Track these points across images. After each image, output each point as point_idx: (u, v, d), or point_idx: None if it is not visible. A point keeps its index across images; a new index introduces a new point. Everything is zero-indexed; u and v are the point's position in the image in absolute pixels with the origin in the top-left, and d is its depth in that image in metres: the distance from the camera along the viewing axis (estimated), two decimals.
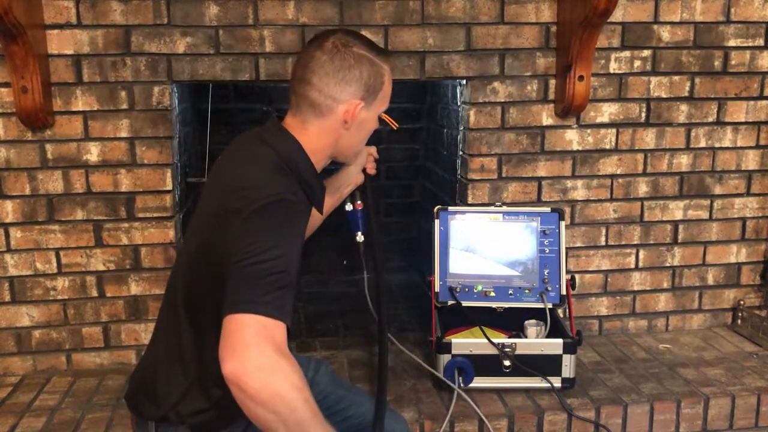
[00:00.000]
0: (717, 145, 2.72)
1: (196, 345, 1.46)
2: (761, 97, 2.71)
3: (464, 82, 2.56)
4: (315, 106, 1.52)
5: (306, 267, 3.33)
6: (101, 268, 2.44)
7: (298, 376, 1.23)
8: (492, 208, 2.46)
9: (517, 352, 2.25)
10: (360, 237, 1.90)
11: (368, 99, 1.54)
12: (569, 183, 2.65)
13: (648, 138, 2.67)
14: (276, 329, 1.24)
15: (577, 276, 2.50)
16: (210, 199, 1.52)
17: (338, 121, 1.53)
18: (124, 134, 2.37)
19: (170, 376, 1.49)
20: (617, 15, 2.50)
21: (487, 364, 2.24)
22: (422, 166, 3.56)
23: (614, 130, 2.64)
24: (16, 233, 2.39)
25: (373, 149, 1.90)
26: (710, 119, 2.70)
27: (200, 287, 1.43)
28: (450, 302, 2.38)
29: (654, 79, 2.62)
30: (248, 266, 1.28)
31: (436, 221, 2.41)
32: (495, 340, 2.24)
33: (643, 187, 2.70)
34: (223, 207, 1.41)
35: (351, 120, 1.53)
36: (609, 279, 2.76)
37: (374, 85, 1.54)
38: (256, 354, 1.20)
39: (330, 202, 1.85)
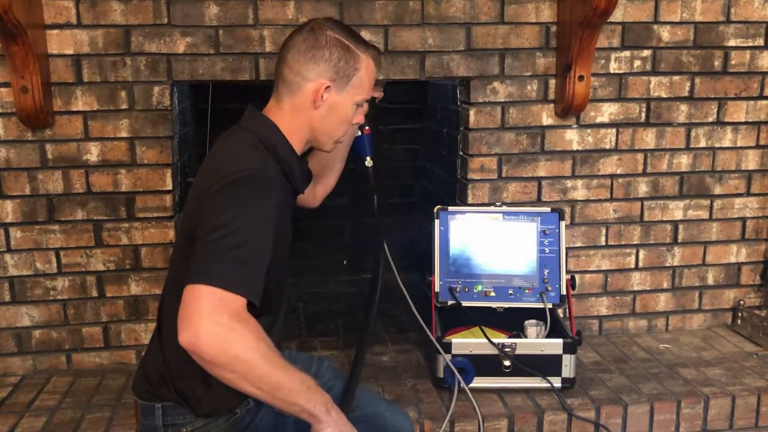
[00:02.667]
0: (717, 145, 2.72)
1: None
2: (761, 97, 2.71)
3: (464, 82, 2.56)
4: (287, 84, 1.59)
5: (306, 267, 3.35)
6: (101, 268, 2.44)
7: (254, 337, 1.32)
8: (492, 208, 2.46)
9: (517, 352, 2.25)
10: (369, 162, 1.91)
11: (338, 82, 1.58)
12: (569, 183, 2.65)
13: (648, 138, 2.67)
14: (232, 300, 1.31)
15: (577, 276, 2.50)
16: (194, 187, 1.57)
17: (308, 101, 1.58)
18: (124, 134, 2.37)
19: (169, 358, 1.53)
20: (617, 15, 2.50)
21: (487, 364, 2.24)
22: (422, 166, 3.56)
23: (614, 130, 2.64)
24: (16, 233, 2.38)
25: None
26: (710, 119, 2.70)
27: (182, 270, 1.46)
28: (450, 302, 2.38)
29: (654, 79, 2.62)
30: (212, 240, 1.35)
31: (436, 221, 2.41)
32: (495, 340, 2.24)
33: (643, 187, 2.70)
34: (201, 188, 1.48)
35: (318, 99, 1.57)
36: (609, 279, 2.76)
37: (345, 69, 1.58)
38: (209, 323, 1.28)
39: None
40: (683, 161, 2.71)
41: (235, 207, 1.38)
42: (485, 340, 2.24)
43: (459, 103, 2.67)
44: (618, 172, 2.67)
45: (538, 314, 2.38)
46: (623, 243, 2.74)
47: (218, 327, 1.28)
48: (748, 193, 2.78)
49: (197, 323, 1.28)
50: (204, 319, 1.28)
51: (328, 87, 1.57)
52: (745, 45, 2.65)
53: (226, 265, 1.33)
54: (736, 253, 2.82)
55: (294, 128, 1.59)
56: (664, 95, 2.64)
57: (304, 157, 1.69)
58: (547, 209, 2.44)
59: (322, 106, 1.59)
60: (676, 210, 2.74)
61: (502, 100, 2.54)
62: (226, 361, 1.30)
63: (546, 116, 2.58)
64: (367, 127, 1.91)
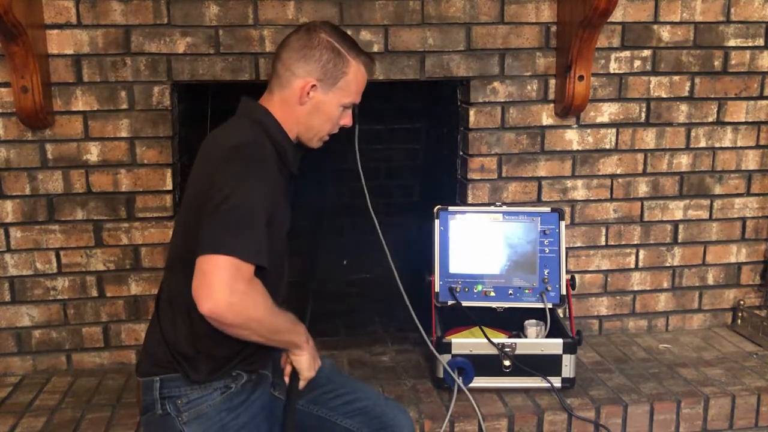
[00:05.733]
0: (717, 145, 2.72)
1: (184, 298, 1.52)
2: (761, 97, 2.71)
3: (464, 82, 2.56)
4: (278, 78, 1.68)
5: (306, 266, 3.34)
6: (101, 268, 2.44)
7: (263, 298, 1.49)
8: (492, 208, 2.46)
9: (517, 352, 2.25)
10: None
11: (325, 82, 1.66)
12: (569, 183, 2.65)
13: (648, 138, 2.67)
14: (246, 268, 1.43)
15: (577, 276, 2.49)
16: (196, 165, 1.64)
17: (295, 96, 1.66)
18: (124, 134, 2.37)
19: (165, 328, 1.60)
20: (617, 15, 2.50)
21: (487, 364, 2.24)
22: (422, 166, 3.56)
23: (614, 130, 2.64)
24: (16, 233, 2.39)
25: None
26: (710, 119, 2.70)
27: (191, 243, 1.50)
28: (450, 302, 2.38)
29: (654, 79, 2.62)
30: (220, 210, 1.44)
31: (436, 221, 2.41)
32: (495, 340, 2.24)
33: (643, 187, 2.70)
34: (204, 166, 1.58)
35: (304, 96, 1.65)
36: (609, 279, 2.76)
37: (333, 71, 1.65)
38: (228, 293, 1.40)
39: None
40: (683, 161, 2.71)
41: (239, 176, 1.48)
42: (485, 340, 2.24)
43: (459, 103, 2.67)
44: (618, 172, 2.67)
45: (538, 314, 2.38)
46: (623, 243, 2.74)
47: (237, 295, 1.41)
48: (748, 193, 2.78)
49: (219, 293, 1.39)
50: (224, 288, 1.39)
51: (314, 86, 1.65)
52: (745, 45, 2.65)
53: (238, 233, 1.43)
54: (736, 253, 2.82)
55: (283, 119, 1.67)
56: (664, 95, 2.64)
57: (299, 146, 1.73)
58: (547, 209, 2.44)
59: (308, 103, 1.66)
60: (676, 210, 2.74)
61: (502, 100, 2.54)
62: (243, 322, 1.45)
63: (546, 116, 2.58)
64: None
